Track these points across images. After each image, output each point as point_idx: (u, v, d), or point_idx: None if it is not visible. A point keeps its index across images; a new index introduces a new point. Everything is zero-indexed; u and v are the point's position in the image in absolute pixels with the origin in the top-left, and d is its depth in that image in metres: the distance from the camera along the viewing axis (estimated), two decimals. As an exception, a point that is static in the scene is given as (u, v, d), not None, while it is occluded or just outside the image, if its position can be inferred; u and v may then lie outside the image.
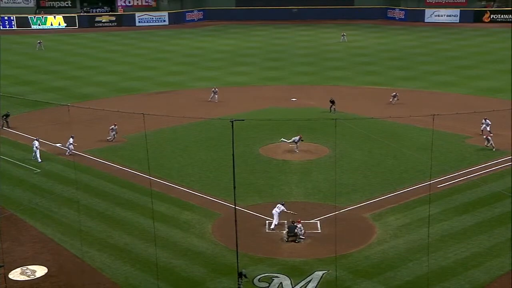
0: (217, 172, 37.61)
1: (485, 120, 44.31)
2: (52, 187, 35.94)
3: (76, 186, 34.53)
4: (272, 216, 30.09)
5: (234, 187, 23.98)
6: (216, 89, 55.65)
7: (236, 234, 23.43)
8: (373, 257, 27.22)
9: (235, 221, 23.64)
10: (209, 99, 54.82)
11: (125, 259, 27.30)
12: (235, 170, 23.87)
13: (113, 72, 71.33)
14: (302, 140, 40.90)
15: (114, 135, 42.94)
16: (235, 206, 24.46)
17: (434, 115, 27.40)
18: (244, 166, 37.74)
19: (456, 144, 42.65)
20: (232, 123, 23.44)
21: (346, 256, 27.13)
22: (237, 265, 23.39)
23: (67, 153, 40.76)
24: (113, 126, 43.14)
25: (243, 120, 26.61)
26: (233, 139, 23.32)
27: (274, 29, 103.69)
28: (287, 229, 28.82)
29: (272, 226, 29.79)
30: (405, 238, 28.86)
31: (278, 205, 30.41)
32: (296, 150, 41.04)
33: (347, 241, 28.31)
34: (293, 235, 28.39)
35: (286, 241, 28.46)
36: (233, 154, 23.74)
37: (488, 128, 43.68)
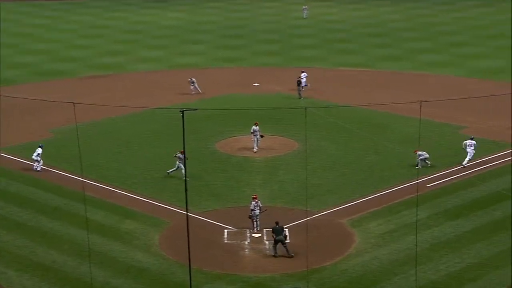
0: (165, 172, 37.52)
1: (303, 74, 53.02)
2: (-40, 193, 35.24)
3: (-10, 192, 33.97)
4: None
5: (186, 190, 23.98)
6: (193, 79, 53.94)
7: (189, 246, 23.46)
8: (352, 270, 27.59)
9: (187, 230, 23.66)
10: (193, 93, 53.33)
11: (52, 280, 27.00)
12: (187, 169, 23.90)
13: (36, 52, 70.22)
14: (261, 136, 40.61)
15: (178, 167, 36.37)
16: (187, 212, 24.46)
17: (421, 101, 27.86)
18: (197, 164, 37.70)
19: (448, 135, 43.53)
20: (183, 113, 23.35)
21: (320, 270, 27.41)
22: (190, 283, 23.43)
23: (35, 168, 37.75)
24: (179, 154, 35.91)
25: (196, 109, 26.63)
26: (184, 132, 23.31)
27: (232, 0, 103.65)
28: (272, 234, 28.67)
29: (465, 162, 37.54)
30: (389, 248, 29.32)
31: (467, 141, 37.92)
32: (255, 147, 40.72)
33: (321, 252, 28.60)
34: (280, 239, 28.36)
35: (274, 253, 28.47)
36: (183, 151, 23.76)
37: (303, 80, 52.47)
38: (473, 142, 38.15)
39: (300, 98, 51.81)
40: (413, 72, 61.76)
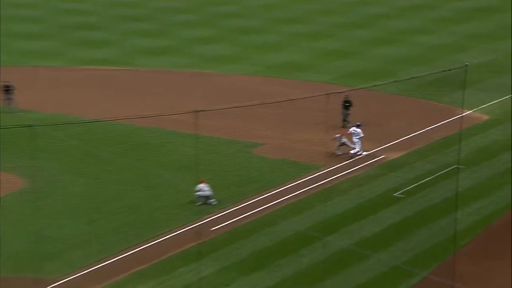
0: None
1: None
2: None
3: None
4: None
5: None
6: None
7: None
8: None
9: None
10: None
11: None
12: None
13: None
14: None
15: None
16: None
17: (197, 111, 28.13)
18: None
19: (238, 157, 44.74)
20: None
21: None
22: None
23: None
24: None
25: None
26: None
27: None
28: None
29: (353, 151, 45.16)
30: (163, 321, 29.45)
31: (352, 129, 45.28)
32: None
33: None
34: None
35: None
36: None
37: None
38: (359, 130, 45.15)
39: (13, 111, 51.14)
40: (189, 71, 62.81)
